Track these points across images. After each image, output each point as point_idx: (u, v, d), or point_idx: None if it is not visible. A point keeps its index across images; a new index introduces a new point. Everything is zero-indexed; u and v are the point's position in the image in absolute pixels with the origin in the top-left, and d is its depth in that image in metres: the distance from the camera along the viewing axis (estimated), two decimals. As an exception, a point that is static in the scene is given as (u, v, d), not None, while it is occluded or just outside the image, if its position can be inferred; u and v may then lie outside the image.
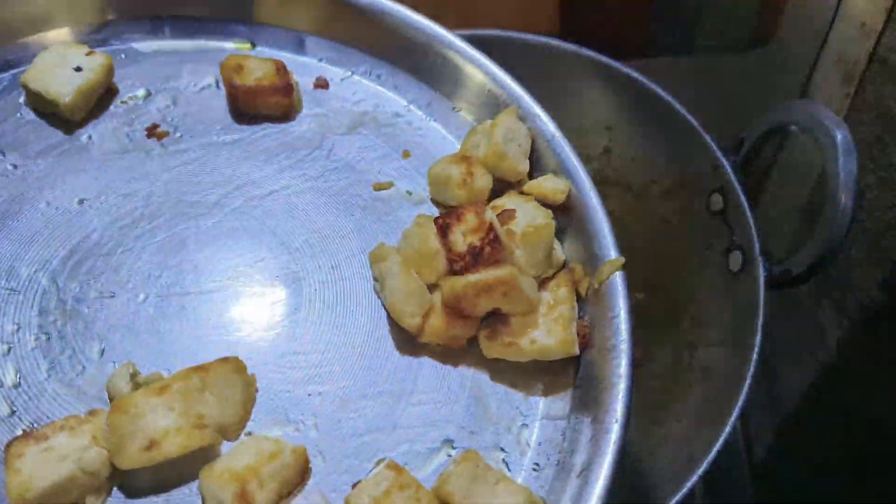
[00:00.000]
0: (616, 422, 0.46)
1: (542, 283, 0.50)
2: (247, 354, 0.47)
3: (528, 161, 0.56)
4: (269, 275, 0.52)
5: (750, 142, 0.75)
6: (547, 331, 0.48)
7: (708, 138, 0.80)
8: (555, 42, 0.91)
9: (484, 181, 0.53)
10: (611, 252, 0.51)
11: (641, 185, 0.92)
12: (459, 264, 0.48)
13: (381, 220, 0.55)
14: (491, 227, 0.48)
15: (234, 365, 0.45)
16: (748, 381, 0.66)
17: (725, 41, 0.99)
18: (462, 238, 0.48)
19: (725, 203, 0.78)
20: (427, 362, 0.49)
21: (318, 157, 0.58)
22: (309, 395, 0.47)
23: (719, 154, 0.78)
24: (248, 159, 0.57)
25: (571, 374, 0.50)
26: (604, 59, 0.89)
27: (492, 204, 0.52)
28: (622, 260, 0.51)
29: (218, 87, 0.60)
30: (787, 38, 0.97)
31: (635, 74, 0.87)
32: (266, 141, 0.58)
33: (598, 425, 0.46)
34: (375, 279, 0.51)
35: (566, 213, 0.54)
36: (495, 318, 0.49)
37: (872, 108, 0.84)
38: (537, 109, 0.59)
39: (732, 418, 0.64)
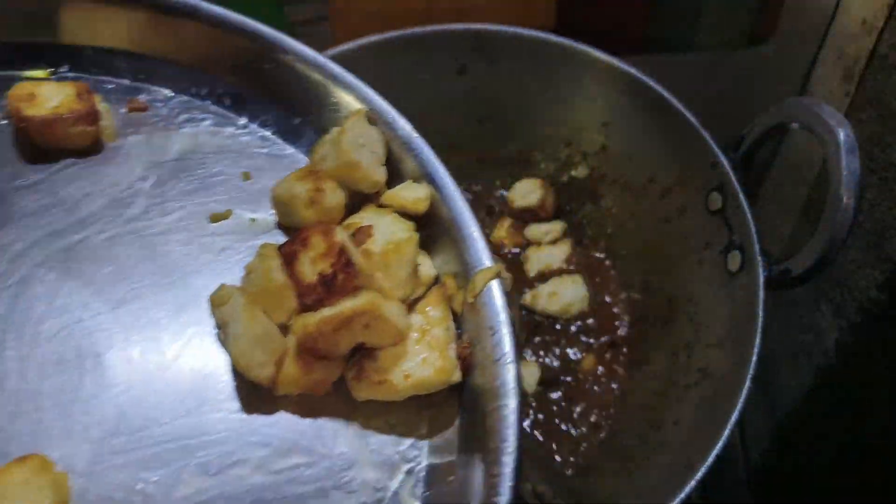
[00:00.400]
0: (509, 454, 0.39)
1: (411, 305, 0.44)
2: (57, 444, 0.38)
3: (384, 169, 0.49)
4: (84, 340, 0.42)
5: (750, 139, 0.74)
6: (422, 360, 0.42)
7: (707, 136, 0.78)
8: (551, 37, 0.90)
9: (335, 197, 0.47)
10: (483, 260, 0.45)
11: (639, 183, 0.91)
12: (311, 298, 0.41)
13: (220, 257, 0.47)
14: (342, 251, 0.41)
15: (37, 464, 0.36)
16: (747, 383, 0.64)
17: (724, 39, 0.98)
18: (311, 266, 0.41)
19: (724, 202, 0.77)
20: (285, 419, 0.42)
21: (139, 191, 0.49)
22: (140, 485, 0.39)
23: (718, 152, 0.77)
24: (51, 206, 0.47)
25: (457, 404, 0.43)
26: (601, 54, 0.88)
27: (346, 222, 0.46)
28: (497, 267, 0.45)
29: (8, 122, 0.50)
30: (786, 36, 0.96)
31: (633, 70, 0.86)
32: (72, 180, 0.49)
33: (489, 458, 0.39)
34: (218, 327, 0.44)
35: (432, 223, 0.47)
36: (361, 354, 0.42)
37: (872, 106, 0.83)
38: (390, 110, 0.51)
39: (732, 420, 0.63)
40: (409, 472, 0.42)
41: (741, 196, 0.74)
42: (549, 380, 0.85)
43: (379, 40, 0.95)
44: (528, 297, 0.90)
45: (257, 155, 0.52)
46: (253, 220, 0.49)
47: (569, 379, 0.85)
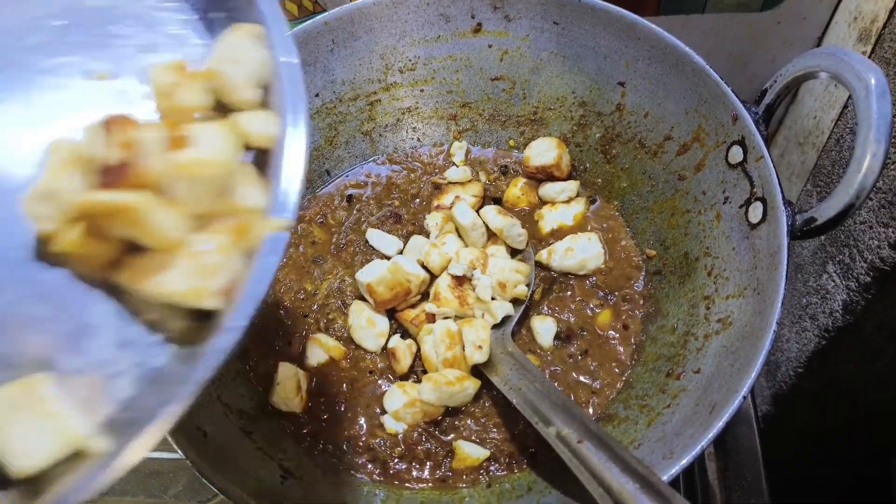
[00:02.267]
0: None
1: (208, 223, 0.44)
2: None
3: (256, 91, 0.47)
4: None
5: (774, 91, 0.74)
6: (182, 275, 0.42)
7: (728, 89, 0.78)
8: (569, -6, 0.90)
9: (192, 97, 0.46)
10: (288, 210, 0.42)
11: (655, 141, 0.91)
12: (103, 179, 0.42)
13: (80, 107, 0.48)
14: (131, 147, 0.41)
15: None
16: (773, 327, 0.65)
17: (739, 1, 0.98)
18: (111, 150, 0.42)
19: (745, 155, 0.77)
20: (57, 274, 0.43)
21: (43, 27, 0.50)
22: None
23: (740, 105, 0.77)
24: None
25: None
26: (620, 11, 0.88)
27: (185, 127, 0.45)
28: (288, 222, 0.42)
29: None
30: (801, -2, 0.97)
31: (652, 26, 0.86)
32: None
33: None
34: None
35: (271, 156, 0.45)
36: (138, 246, 0.43)
37: (890, 66, 0.84)
38: (282, 38, 0.47)
39: (759, 361, 0.63)
40: (139, 365, 0.43)
41: (764, 148, 0.74)
42: (565, 334, 0.85)
43: (396, -5, 0.94)
44: (543, 254, 0.90)
45: (166, 33, 0.52)
46: (125, 90, 0.49)
47: (585, 333, 0.85)
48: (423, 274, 0.86)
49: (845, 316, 0.99)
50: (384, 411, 0.80)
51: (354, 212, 0.98)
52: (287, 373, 0.82)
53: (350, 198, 0.99)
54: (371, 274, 0.84)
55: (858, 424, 1.20)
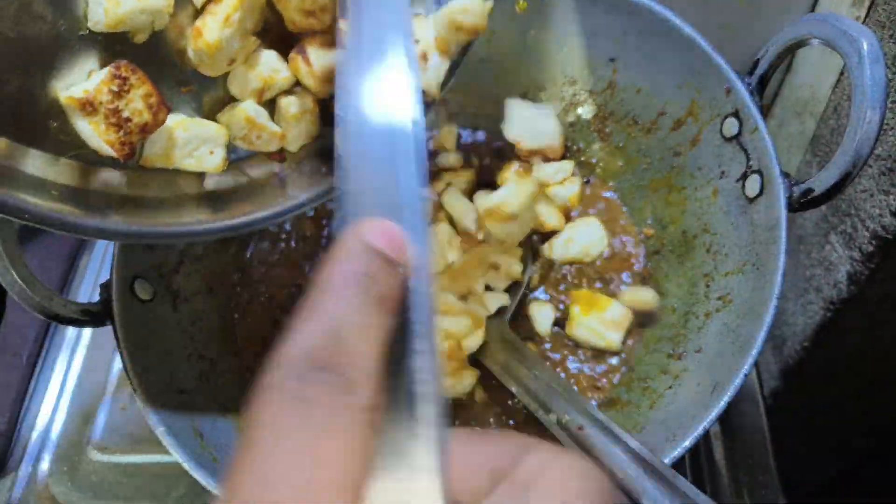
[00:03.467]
0: None
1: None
2: None
3: None
4: None
5: (766, 60, 0.72)
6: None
7: (721, 61, 0.76)
8: (554, -32, 0.88)
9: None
10: None
11: (649, 117, 0.89)
12: None
13: None
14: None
15: None
16: (774, 301, 0.64)
17: (729, -32, 0.96)
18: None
19: (741, 127, 0.75)
20: None
21: None
22: None
23: (734, 76, 0.75)
24: None
25: None
26: (606, -16, 0.86)
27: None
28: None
29: None
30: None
31: None
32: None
33: None
34: None
35: None
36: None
37: (885, 29, 0.82)
38: None
39: (761, 337, 0.62)
40: None
41: (760, 119, 0.72)
42: (564, 320, 0.84)
43: (377, -20, 0.92)
44: (544, 249, 0.88)
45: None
46: None
47: (584, 317, 0.84)
48: None
49: (850, 287, 0.97)
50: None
51: None
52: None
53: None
54: None
55: (865, 396, 1.19)
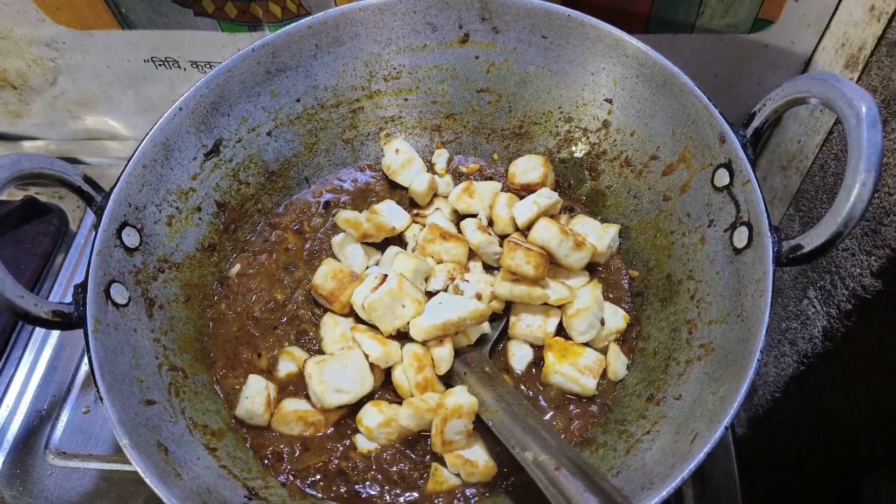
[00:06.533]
0: None
1: None
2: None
3: None
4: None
5: (763, 115, 0.73)
6: None
7: (716, 111, 0.77)
8: (559, 7, 0.88)
9: None
10: None
11: (641, 160, 0.89)
12: None
13: None
14: None
15: None
16: (757, 356, 0.64)
17: (729, 22, 0.98)
18: None
19: (732, 178, 0.76)
20: None
21: None
22: None
23: (727, 127, 0.76)
24: None
25: None
26: (609, 28, 0.87)
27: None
28: None
29: None
30: (789, 21, 0.96)
31: (643, 45, 0.85)
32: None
33: None
34: None
35: None
36: None
37: (877, 93, 0.83)
38: None
39: (742, 392, 0.62)
40: None
41: (751, 172, 0.73)
42: (540, 359, 0.83)
43: (382, 2, 0.92)
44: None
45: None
46: None
47: (564, 354, 0.83)
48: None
49: (825, 342, 0.98)
50: (356, 430, 0.78)
51: (331, 218, 0.95)
52: (257, 387, 0.79)
53: (327, 203, 0.97)
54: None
55: (832, 448, 1.20)
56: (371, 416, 0.76)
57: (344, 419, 0.79)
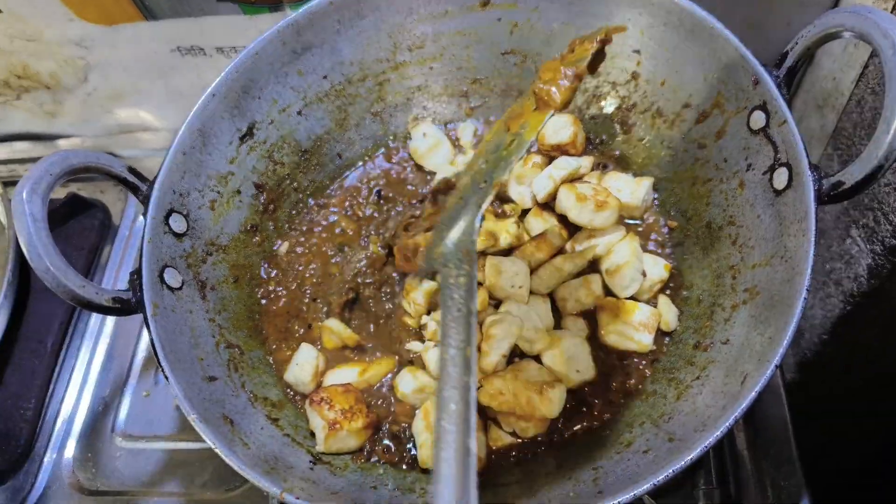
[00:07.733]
0: None
1: None
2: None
3: None
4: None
5: (796, 53, 0.72)
6: None
7: (748, 53, 0.76)
8: (580, -41, 0.88)
9: None
10: None
11: (673, 110, 0.89)
12: None
13: None
14: None
15: None
16: (804, 294, 0.64)
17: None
18: None
19: (768, 119, 0.75)
20: None
21: None
22: None
23: (761, 69, 0.75)
24: None
25: None
26: (633, -23, 0.86)
27: None
28: None
29: None
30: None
31: (667, -8, 0.84)
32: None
33: None
34: None
35: None
36: None
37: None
38: None
39: (790, 330, 0.62)
40: None
41: (787, 112, 0.72)
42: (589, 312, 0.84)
43: (402, -31, 0.92)
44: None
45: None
46: None
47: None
48: None
49: (870, 280, 0.97)
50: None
51: (384, 211, 0.97)
52: (307, 355, 0.81)
53: (379, 194, 0.98)
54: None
55: (882, 387, 1.19)
56: (406, 382, 0.79)
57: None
